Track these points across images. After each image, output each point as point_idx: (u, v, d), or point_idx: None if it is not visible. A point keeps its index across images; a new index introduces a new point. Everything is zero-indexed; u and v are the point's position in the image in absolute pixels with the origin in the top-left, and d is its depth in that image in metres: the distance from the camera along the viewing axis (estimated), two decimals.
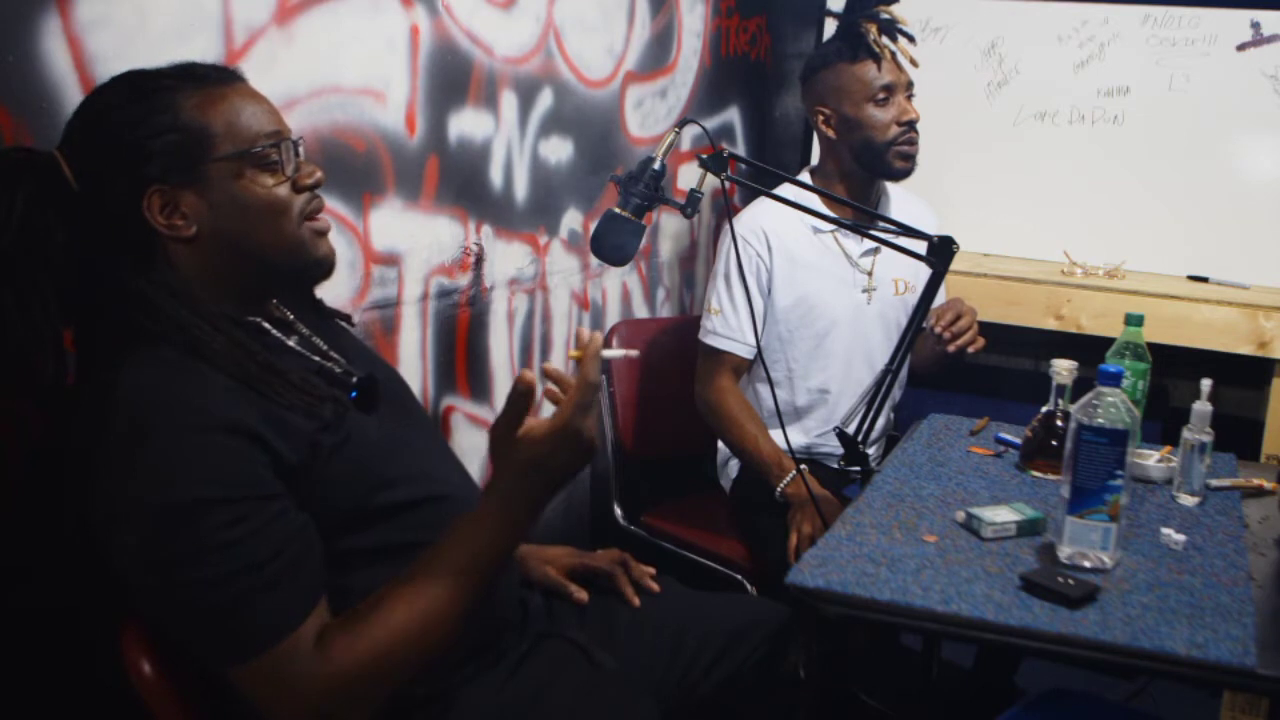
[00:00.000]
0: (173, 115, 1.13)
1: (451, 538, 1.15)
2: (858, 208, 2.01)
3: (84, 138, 1.14)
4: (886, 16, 2.20)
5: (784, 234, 2.20)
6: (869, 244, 2.22)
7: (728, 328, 2.21)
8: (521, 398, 1.11)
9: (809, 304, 2.22)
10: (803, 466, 1.94)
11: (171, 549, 1.04)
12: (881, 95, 2.17)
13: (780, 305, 2.22)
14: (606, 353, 1.16)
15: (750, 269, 2.19)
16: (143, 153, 1.12)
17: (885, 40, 2.18)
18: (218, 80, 1.18)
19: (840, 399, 2.25)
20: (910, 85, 2.21)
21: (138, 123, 1.12)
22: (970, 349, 2.10)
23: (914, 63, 2.24)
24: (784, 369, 2.26)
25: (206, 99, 1.16)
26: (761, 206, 2.23)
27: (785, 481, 2.07)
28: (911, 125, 2.18)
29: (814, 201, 2.07)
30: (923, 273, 1.76)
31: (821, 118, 2.22)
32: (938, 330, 2.06)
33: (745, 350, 2.21)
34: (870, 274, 2.25)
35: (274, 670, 1.07)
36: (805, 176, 2.28)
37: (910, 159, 2.19)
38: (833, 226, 2.18)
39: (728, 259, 2.20)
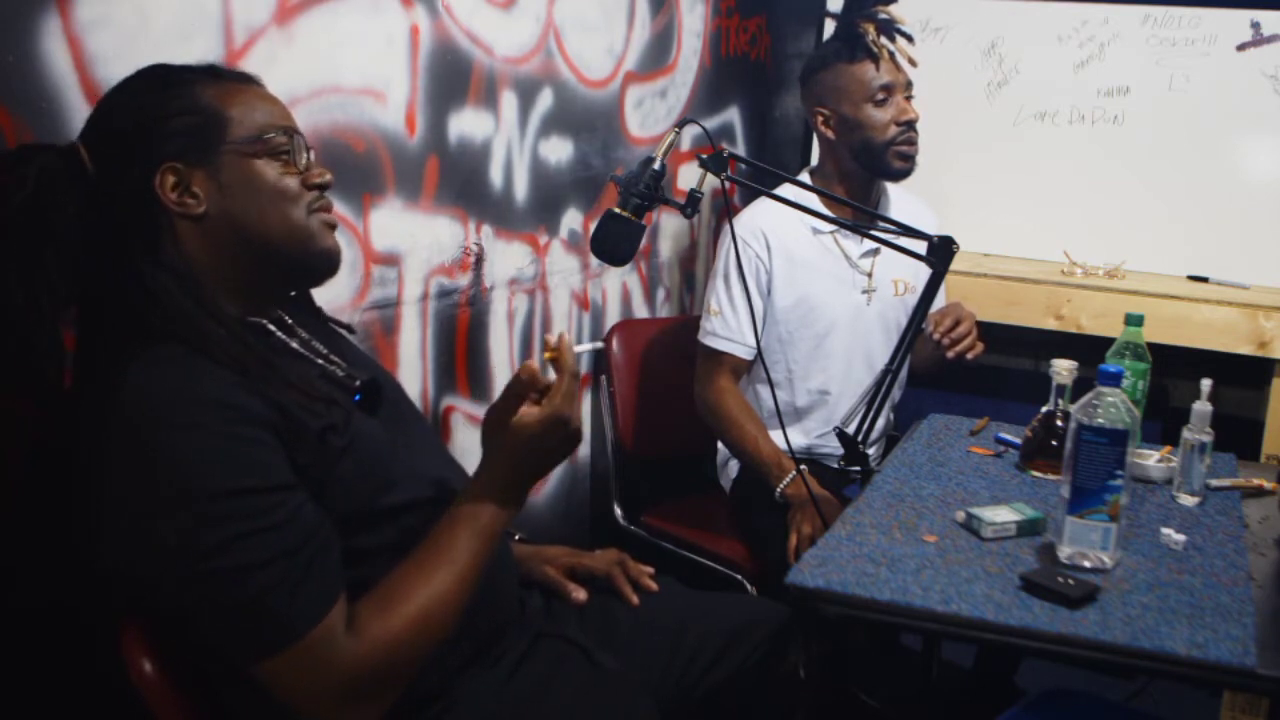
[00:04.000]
0: (191, 99, 1.16)
1: (451, 517, 1.21)
2: (858, 208, 2.00)
3: (103, 121, 1.16)
4: (884, 16, 2.19)
5: (783, 234, 2.20)
6: (869, 245, 2.22)
7: (727, 329, 2.20)
8: (522, 386, 1.21)
9: (809, 305, 2.22)
10: (802, 467, 1.93)
11: (208, 539, 1.04)
12: (880, 95, 2.16)
13: (780, 306, 2.22)
14: (576, 348, 1.26)
15: (750, 270, 2.19)
16: (159, 132, 1.14)
17: (883, 40, 2.18)
18: (237, 79, 1.22)
19: (840, 400, 2.25)
20: (909, 85, 2.21)
21: (156, 105, 1.15)
22: (969, 355, 2.09)
23: (912, 62, 2.24)
24: (784, 370, 2.26)
25: (225, 90, 1.19)
26: (761, 207, 2.22)
27: (785, 482, 2.07)
28: (910, 125, 2.17)
29: (814, 202, 2.07)
30: (923, 273, 1.76)
31: (821, 118, 2.22)
32: (936, 336, 2.06)
33: (745, 351, 2.21)
34: (870, 275, 2.25)
35: (309, 657, 1.07)
36: (805, 177, 2.28)
37: (909, 159, 2.19)
38: (832, 227, 2.18)
39: (727, 259, 2.20)
